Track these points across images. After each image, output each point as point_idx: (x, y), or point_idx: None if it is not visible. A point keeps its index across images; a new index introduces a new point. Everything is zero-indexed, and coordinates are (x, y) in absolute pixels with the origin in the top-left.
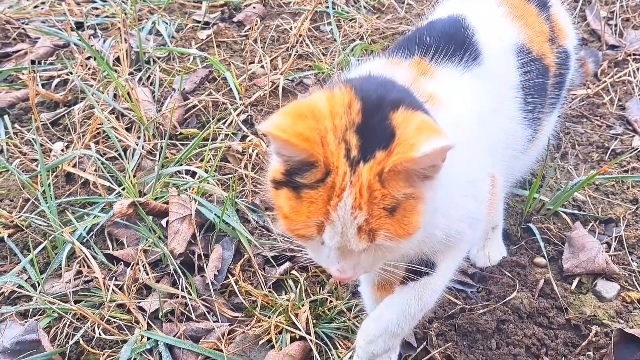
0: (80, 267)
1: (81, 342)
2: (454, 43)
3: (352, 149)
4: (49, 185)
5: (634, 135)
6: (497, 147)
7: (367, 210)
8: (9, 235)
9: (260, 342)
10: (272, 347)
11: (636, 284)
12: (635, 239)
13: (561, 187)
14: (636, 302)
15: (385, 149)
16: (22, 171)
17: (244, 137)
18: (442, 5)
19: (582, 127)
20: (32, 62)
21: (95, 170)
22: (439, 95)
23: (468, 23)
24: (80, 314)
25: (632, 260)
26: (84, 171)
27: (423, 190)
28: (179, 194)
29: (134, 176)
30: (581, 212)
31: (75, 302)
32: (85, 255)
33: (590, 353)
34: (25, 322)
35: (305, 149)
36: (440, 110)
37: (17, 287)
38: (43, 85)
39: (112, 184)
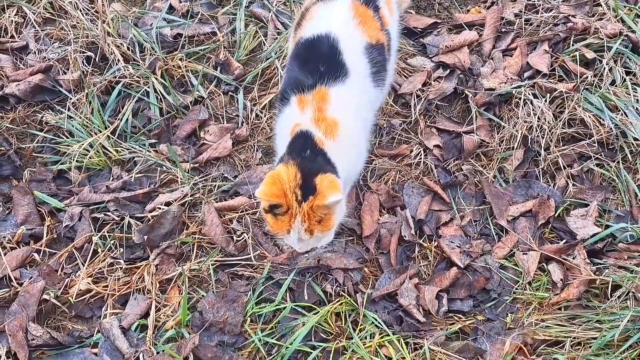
0: None
1: None
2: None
3: (298, 197)
4: None
5: None
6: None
7: (307, 222)
8: None
9: None
10: None
11: None
12: None
13: None
14: None
15: (314, 196)
16: None
17: None
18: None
19: None
20: None
21: None
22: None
23: (338, 47)
24: None
25: None
26: None
27: (334, 209)
28: None
29: None
30: None
31: None
32: None
33: None
34: None
35: (276, 201)
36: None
37: None
38: None
39: None
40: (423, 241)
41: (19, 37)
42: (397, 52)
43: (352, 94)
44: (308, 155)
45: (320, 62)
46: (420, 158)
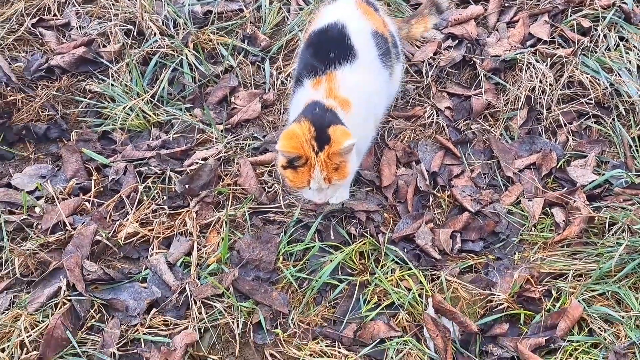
0: None
1: None
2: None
3: (315, 147)
4: None
5: None
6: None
7: (326, 170)
8: None
9: None
10: None
11: None
12: None
13: None
14: None
15: (329, 144)
16: None
17: None
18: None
19: None
20: None
21: None
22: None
23: (346, 31)
24: None
25: None
26: None
27: (348, 157)
28: None
29: None
30: None
31: None
32: None
33: None
34: None
35: (295, 153)
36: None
37: None
38: None
39: None
40: (437, 191)
41: (61, 15)
42: None
43: (362, 74)
44: (319, 112)
45: (330, 46)
46: (433, 118)
